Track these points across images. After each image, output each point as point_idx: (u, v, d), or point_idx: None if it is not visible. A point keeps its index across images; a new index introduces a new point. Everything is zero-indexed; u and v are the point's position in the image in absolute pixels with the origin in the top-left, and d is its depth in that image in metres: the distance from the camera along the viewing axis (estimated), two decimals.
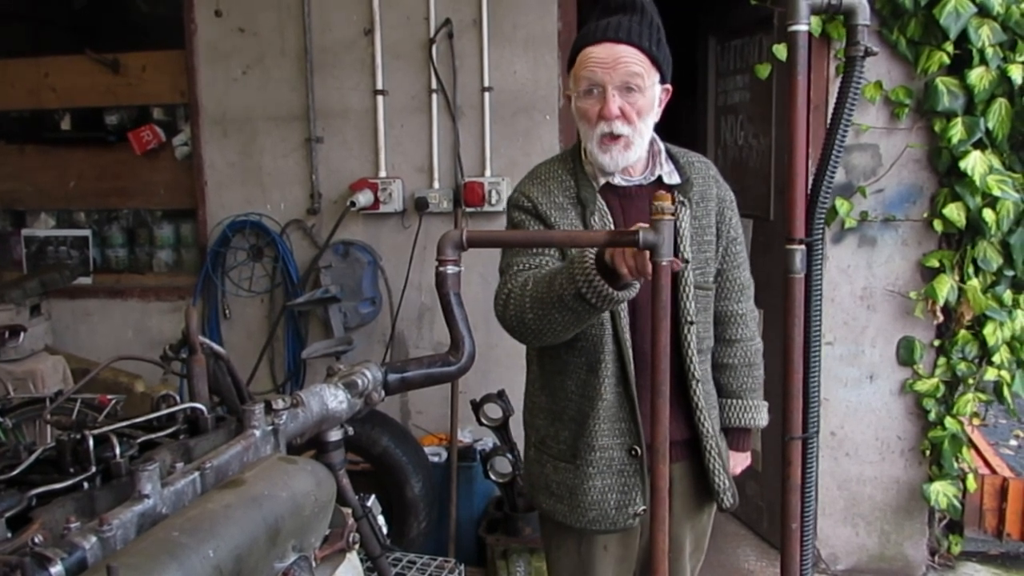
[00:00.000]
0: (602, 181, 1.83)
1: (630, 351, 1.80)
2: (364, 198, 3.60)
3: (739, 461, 2.08)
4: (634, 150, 1.77)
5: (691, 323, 1.82)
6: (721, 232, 1.91)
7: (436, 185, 3.65)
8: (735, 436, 2.05)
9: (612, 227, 1.79)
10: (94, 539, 0.89)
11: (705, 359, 1.92)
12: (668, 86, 1.82)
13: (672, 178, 1.86)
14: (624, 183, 1.83)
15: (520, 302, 1.69)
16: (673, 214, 1.35)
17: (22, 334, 3.51)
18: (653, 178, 1.85)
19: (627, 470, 1.83)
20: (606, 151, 1.76)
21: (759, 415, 2.03)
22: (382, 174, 3.70)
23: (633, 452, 1.82)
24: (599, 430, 1.82)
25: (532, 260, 1.79)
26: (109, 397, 1.99)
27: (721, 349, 1.99)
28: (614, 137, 1.74)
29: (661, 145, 1.89)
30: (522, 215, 1.85)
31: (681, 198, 1.83)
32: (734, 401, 2.01)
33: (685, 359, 1.84)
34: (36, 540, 0.88)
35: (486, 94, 3.57)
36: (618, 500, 1.84)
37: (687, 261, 1.81)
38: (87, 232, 4.34)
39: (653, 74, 1.75)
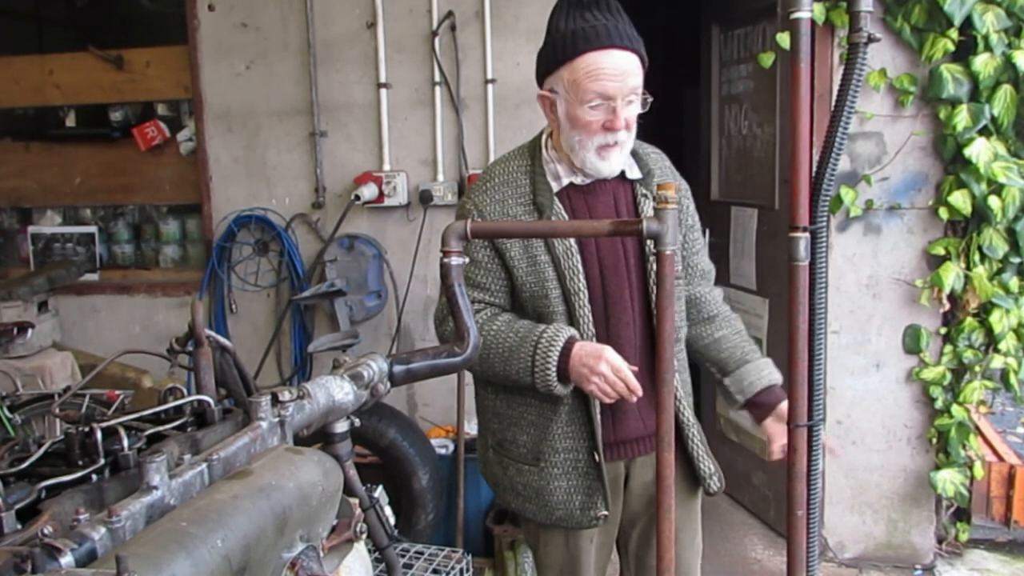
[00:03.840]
0: (565, 182, 1.79)
1: None
2: (368, 192, 3.61)
3: (780, 433, 1.81)
4: (626, 152, 1.77)
5: None
6: (680, 221, 1.89)
7: (440, 178, 3.66)
8: (765, 400, 1.88)
9: None
10: (103, 530, 0.89)
11: (680, 348, 1.89)
12: None
13: (633, 172, 1.83)
14: (586, 180, 1.80)
15: None
16: (677, 203, 1.36)
17: (30, 331, 3.53)
18: (616, 172, 1.80)
19: (591, 473, 1.81)
20: (605, 158, 1.73)
21: (774, 370, 1.92)
22: (386, 167, 3.70)
23: (595, 457, 1.80)
24: (562, 433, 1.81)
25: (477, 295, 1.81)
26: (117, 392, 2.00)
27: (703, 328, 1.97)
28: (614, 144, 1.72)
29: None
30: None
31: (644, 191, 1.82)
32: (748, 367, 1.91)
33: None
34: (46, 531, 0.89)
35: (489, 86, 3.57)
36: (582, 502, 1.82)
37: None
38: (93, 229, 4.36)
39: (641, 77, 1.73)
